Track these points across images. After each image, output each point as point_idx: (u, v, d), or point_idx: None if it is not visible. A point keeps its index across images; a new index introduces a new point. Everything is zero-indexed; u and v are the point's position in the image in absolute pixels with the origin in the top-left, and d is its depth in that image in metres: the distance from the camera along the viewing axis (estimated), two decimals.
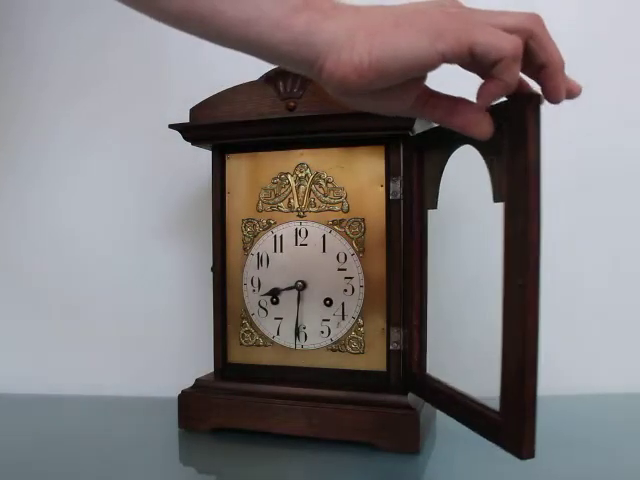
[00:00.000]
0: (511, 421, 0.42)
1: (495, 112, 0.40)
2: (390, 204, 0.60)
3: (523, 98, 0.39)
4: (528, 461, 0.54)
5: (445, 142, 0.52)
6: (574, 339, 0.79)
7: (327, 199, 0.62)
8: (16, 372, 0.84)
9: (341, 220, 0.62)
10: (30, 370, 0.86)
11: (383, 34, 0.36)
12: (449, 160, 0.52)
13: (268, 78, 0.61)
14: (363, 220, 0.61)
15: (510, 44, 0.35)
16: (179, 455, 0.60)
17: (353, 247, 0.62)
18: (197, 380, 0.66)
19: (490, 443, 0.43)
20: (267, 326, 0.65)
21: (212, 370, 0.67)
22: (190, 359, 0.77)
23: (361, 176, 0.61)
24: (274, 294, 0.64)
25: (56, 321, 0.88)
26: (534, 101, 0.39)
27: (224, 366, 0.67)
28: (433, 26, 0.35)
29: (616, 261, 0.79)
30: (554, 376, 0.76)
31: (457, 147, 0.51)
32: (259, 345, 0.66)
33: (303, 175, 0.63)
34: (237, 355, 0.66)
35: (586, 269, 0.79)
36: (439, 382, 0.55)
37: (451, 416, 0.52)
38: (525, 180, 0.40)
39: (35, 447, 0.61)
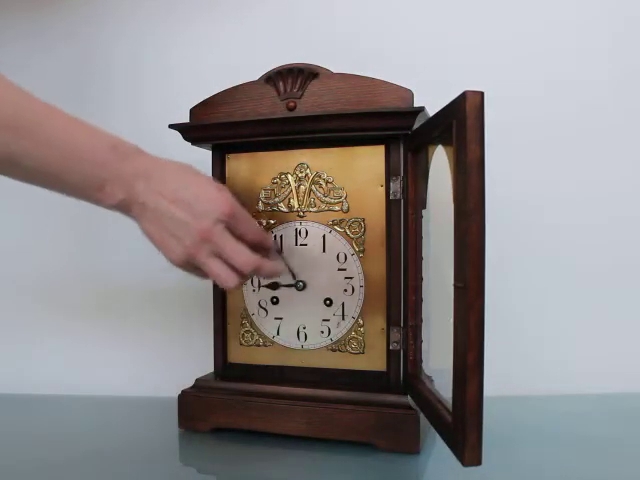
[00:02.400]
0: (457, 426, 0.41)
1: (448, 108, 0.40)
2: (390, 204, 0.60)
3: (468, 94, 0.39)
4: (529, 462, 0.55)
5: (426, 142, 0.53)
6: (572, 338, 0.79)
7: (327, 199, 0.62)
8: (16, 372, 0.84)
9: (341, 220, 0.62)
10: (30, 370, 0.86)
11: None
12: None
13: (268, 78, 0.61)
14: (363, 220, 0.61)
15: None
16: (179, 455, 0.60)
17: (353, 247, 0.62)
18: (197, 380, 0.66)
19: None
20: (267, 326, 0.65)
21: (212, 370, 0.67)
22: (190, 359, 0.77)
23: (361, 176, 0.61)
24: (274, 288, 0.63)
25: (56, 321, 0.88)
26: (476, 98, 0.39)
27: (224, 366, 0.67)
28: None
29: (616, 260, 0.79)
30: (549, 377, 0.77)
31: (436, 146, 0.51)
32: (259, 345, 0.65)
33: (303, 175, 0.63)
34: (237, 355, 0.66)
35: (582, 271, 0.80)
36: (423, 383, 0.56)
37: (426, 417, 0.52)
38: (465, 180, 0.39)
39: (35, 447, 0.61)
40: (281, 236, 0.64)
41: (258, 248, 0.53)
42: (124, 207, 0.48)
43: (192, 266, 0.50)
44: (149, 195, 0.47)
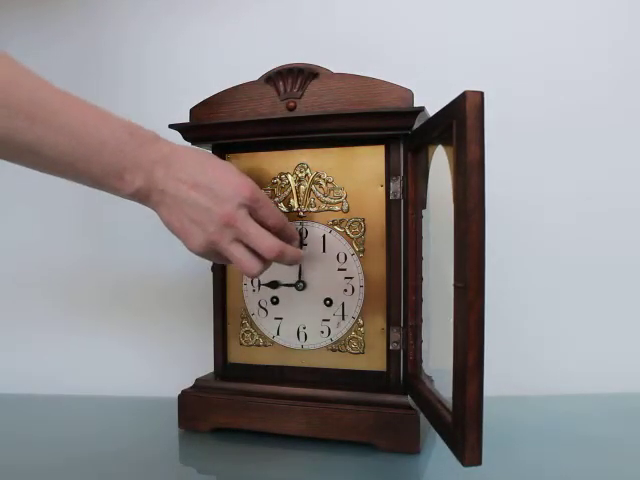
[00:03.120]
0: (457, 426, 0.41)
1: (448, 108, 0.40)
2: (390, 204, 0.60)
3: (468, 94, 0.39)
4: (529, 462, 0.55)
5: (426, 142, 0.53)
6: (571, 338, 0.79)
7: (327, 199, 0.62)
8: (16, 372, 0.84)
9: (341, 220, 0.62)
10: (30, 370, 0.86)
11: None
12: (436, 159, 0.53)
13: (268, 78, 0.61)
14: (363, 220, 0.61)
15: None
16: (179, 455, 0.60)
17: (353, 247, 0.62)
18: (197, 380, 0.66)
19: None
20: (267, 326, 0.65)
21: (212, 370, 0.67)
22: (190, 359, 0.77)
23: (361, 176, 0.61)
24: (274, 287, 0.63)
25: (56, 322, 0.88)
26: (476, 98, 0.39)
27: (224, 366, 0.67)
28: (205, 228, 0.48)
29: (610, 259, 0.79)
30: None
31: (436, 146, 0.51)
32: (259, 345, 0.66)
33: (303, 175, 0.63)
34: (237, 355, 0.66)
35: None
36: (423, 383, 0.56)
37: (426, 417, 0.52)
38: (465, 180, 0.39)
39: (35, 447, 0.61)
40: None
41: (278, 235, 0.52)
42: (142, 195, 0.47)
43: (213, 252, 0.49)
44: (169, 182, 0.47)
